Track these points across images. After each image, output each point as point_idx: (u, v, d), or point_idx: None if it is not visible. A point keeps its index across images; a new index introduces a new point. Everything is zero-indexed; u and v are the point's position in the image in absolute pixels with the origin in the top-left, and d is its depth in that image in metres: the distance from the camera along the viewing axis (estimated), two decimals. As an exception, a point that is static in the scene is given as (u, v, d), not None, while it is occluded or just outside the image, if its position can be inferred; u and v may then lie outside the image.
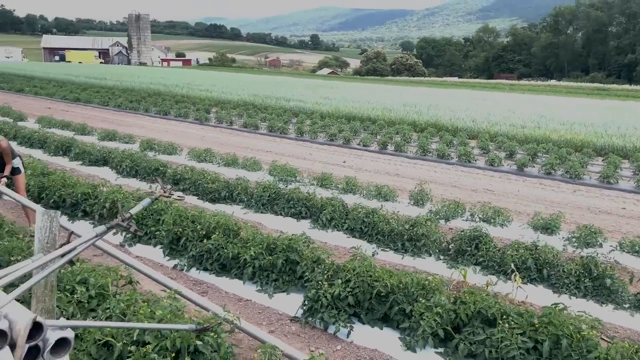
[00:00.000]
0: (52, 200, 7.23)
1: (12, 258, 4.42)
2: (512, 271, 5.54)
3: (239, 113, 22.02)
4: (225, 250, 5.45)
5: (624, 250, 7.03)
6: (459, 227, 7.47)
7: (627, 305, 5.35)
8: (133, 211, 2.29)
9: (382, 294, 4.57)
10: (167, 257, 5.95)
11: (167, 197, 2.50)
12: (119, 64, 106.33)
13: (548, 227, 7.77)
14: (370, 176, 11.86)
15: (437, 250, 6.62)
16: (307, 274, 5.02)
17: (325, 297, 4.52)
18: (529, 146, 15.71)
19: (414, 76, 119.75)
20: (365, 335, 4.51)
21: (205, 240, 5.67)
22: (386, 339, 4.45)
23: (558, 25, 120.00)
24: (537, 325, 3.87)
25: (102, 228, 2.17)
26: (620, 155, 15.63)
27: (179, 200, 3.29)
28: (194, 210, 6.32)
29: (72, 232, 2.38)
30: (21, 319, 1.77)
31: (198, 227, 5.80)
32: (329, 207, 7.52)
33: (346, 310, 4.59)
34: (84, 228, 6.65)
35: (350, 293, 4.53)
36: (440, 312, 4.19)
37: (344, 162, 13.60)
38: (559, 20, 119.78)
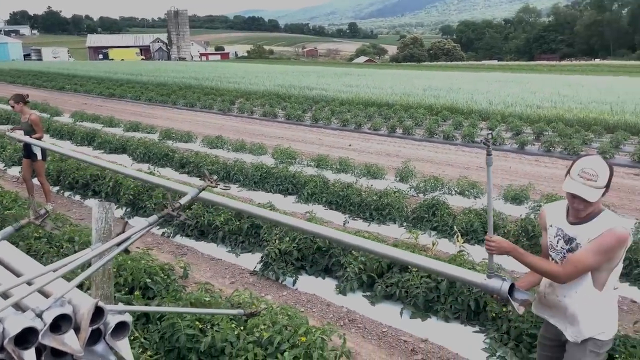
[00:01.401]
0: (67, 181, 8.34)
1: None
2: (455, 233, 6.18)
3: (261, 103, 22.95)
4: (202, 218, 6.32)
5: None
6: (467, 206, 8.04)
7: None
8: (182, 201, 2.33)
9: (323, 248, 5.33)
10: (157, 226, 6.89)
11: (214, 187, 2.57)
12: (159, 59, 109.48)
13: (517, 198, 8.29)
14: (371, 157, 12.50)
15: (401, 218, 7.29)
16: (266, 235, 5.82)
17: (275, 252, 5.33)
18: (537, 125, 15.94)
19: (451, 61, 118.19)
20: (308, 283, 5.30)
21: (187, 211, 6.55)
22: (325, 286, 5.23)
23: (602, 2, 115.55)
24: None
25: (154, 217, 2.22)
26: (633, 133, 15.66)
27: (224, 190, 3.37)
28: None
29: (127, 222, 2.45)
30: (84, 304, 1.87)
31: (182, 199, 6.70)
32: (311, 183, 8.29)
33: (294, 263, 5.38)
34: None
35: (295, 248, 5.32)
36: (365, 261, 4.92)
37: (350, 145, 14.29)
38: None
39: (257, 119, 19.86)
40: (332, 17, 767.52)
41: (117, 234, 2.17)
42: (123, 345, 1.97)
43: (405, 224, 7.19)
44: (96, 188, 8.08)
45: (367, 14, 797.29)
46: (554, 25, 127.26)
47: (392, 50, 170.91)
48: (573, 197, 2.45)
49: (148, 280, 4.17)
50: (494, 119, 17.75)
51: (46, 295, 2.00)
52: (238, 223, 6.12)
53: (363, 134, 16.61)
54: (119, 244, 2.13)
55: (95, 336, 1.91)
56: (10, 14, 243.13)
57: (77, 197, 8.29)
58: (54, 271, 1.99)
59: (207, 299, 3.89)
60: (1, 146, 10.52)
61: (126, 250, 2.15)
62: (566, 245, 2.59)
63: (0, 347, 1.70)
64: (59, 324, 1.80)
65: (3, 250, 2.43)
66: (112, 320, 1.92)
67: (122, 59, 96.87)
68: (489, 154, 2.37)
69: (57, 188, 8.69)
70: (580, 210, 2.49)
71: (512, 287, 2.46)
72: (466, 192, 8.72)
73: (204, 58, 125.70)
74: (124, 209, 7.46)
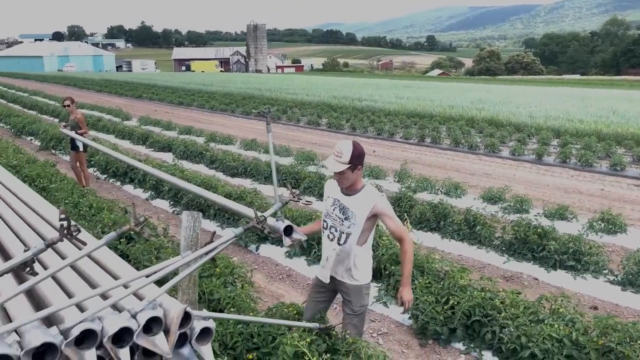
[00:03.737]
0: (111, 170, 10.21)
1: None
2: (405, 219, 7.26)
3: (310, 112, 24.51)
4: (200, 199, 7.83)
5: (546, 216, 8.23)
6: (423, 198, 9.10)
7: (487, 245, 6.84)
8: (267, 214, 2.44)
9: (281, 223, 6.64)
10: (171, 207, 8.49)
11: (296, 201, 2.63)
12: (237, 71, 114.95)
13: (492, 199, 9.13)
14: (389, 163, 13.56)
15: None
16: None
17: (240, 222, 6.70)
18: (563, 138, 16.27)
19: (530, 74, 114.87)
20: (268, 250, 6.63)
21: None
22: (279, 252, 6.54)
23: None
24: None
25: (240, 230, 2.35)
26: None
27: (306, 204, 3.44)
28: (194, 174, 8.85)
29: (214, 232, 2.61)
30: (173, 308, 1.95)
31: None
32: (307, 179, 9.60)
33: (259, 234, 6.72)
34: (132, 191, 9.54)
35: (258, 221, 6.67)
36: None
37: (374, 151, 15.41)
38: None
39: (302, 126, 21.43)
40: (410, 30, 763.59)
41: (205, 243, 2.29)
42: (207, 350, 2.08)
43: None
44: (132, 176, 9.87)
45: (447, 26, 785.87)
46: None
47: (469, 63, 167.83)
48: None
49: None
50: (527, 131, 18.17)
51: (139, 298, 2.16)
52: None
53: (394, 142, 17.64)
54: (206, 253, 2.25)
55: (182, 340, 2.01)
56: (108, 28, 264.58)
57: (118, 183, 10.14)
58: (147, 276, 2.13)
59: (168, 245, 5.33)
60: (62, 139, 12.67)
61: (213, 259, 2.37)
62: (341, 213, 3.27)
63: (99, 344, 1.81)
64: (151, 325, 1.91)
65: (102, 253, 2.70)
66: (197, 325, 2.04)
67: (203, 71, 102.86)
68: (268, 124, 3.43)
69: (105, 175, 10.61)
70: (338, 181, 3.25)
71: (290, 228, 3.20)
72: (451, 192, 9.66)
73: (279, 70, 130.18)
74: (149, 192, 9.17)
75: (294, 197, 2.59)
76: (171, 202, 8.57)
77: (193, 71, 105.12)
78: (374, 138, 18.48)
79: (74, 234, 1.90)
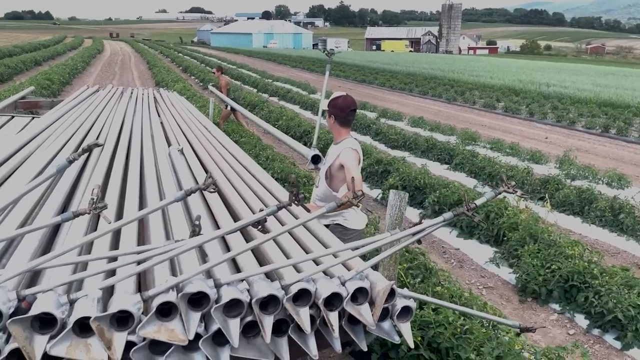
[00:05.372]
0: (289, 134, 11.90)
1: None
2: (545, 199, 7.41)
3: (488, 95, 24.00)
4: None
5: None
6: (578, 185, 8.98)
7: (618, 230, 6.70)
8: (478, 202, 2.40)
9: (420, 186, 7.38)
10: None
11: (511, 192, 2.45)
12: (426, 52, 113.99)
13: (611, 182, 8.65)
14: (558, 150, 13.10)
15: (524, 190, 8.58)
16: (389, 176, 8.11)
17: (384, 184, 7.62)
18: None
19: None
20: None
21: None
22: (413, 213, 7.29)
23: None
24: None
25: (449, 214, 2.30)
26: None
27: (522, 197, 3.30)
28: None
29: (424, 215, 2.69)
30: (380, 283, 2.03)
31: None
32: (460, 155, 10.05)
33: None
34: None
35: (399, 183, 7.50)
36: (439, 196, 6.83)
37: (546, 138, 14.89)
38: None
39: (476, 109, 21.27)
40: (633, 10, 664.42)
41: (413, 224, 2.26)
42: (406, 328, 2.10)
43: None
44: (305, 140, 11.36)
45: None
46: None
47: None
48: None
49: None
50: None
51: (347, 268, 2.22)
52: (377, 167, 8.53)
53: (573, 130, 16.70)
54: (414, 234, 2.24)
55: (383, 314, 2.05)
56: (309, 8, 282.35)
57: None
58: (353, 249, 2.20)
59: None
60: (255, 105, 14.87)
61: (419, 241, 2.31)
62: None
63: (312, 304, 1.94)
64: (356, 295, 1.99)
65: (313, 222, 2.70)
66: (399, 303, 2.08)
67: (392, 50, 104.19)
68: (329, 63, 4.23)
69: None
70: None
71: (317, 157, 4.05)
72: (613, 182, 9.26)
73: (471, 52, 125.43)
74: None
75: (508, 188, 2.40)
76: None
77: (383, 50, 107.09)
78: (552, 125, 17.66)
79: (300, 200, 2.00)
